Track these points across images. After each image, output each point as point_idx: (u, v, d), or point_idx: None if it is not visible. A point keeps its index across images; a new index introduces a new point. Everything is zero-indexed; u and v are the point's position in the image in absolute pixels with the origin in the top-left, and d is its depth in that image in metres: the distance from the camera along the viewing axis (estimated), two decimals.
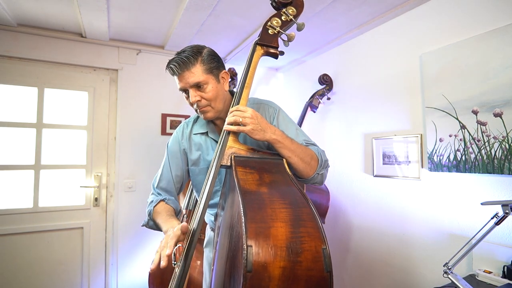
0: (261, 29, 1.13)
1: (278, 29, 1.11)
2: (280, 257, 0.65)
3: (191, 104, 1.18)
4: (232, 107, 1.05)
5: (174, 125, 2.92)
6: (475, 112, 1.66)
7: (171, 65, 1.12)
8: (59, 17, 2.26)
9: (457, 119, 1.75)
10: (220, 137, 1.04)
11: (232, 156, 0.93)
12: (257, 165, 0.90)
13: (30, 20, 2.31)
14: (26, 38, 2.43)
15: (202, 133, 1.29)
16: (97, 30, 2.45)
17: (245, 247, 0.64)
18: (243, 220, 0.68)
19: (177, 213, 1.28)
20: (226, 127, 1.01)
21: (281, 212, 0.72)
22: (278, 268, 0.64)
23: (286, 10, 1.12)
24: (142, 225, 1.31)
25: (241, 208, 0.71)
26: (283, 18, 1.12)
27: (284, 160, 0.95)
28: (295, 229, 0.70)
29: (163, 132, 2.90)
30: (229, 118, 1.01)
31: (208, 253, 1.50)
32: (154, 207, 1.25)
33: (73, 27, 2.44)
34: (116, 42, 2.71)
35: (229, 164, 0.93)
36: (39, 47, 2.47)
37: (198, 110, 1.19)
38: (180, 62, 1.10)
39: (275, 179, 0.86)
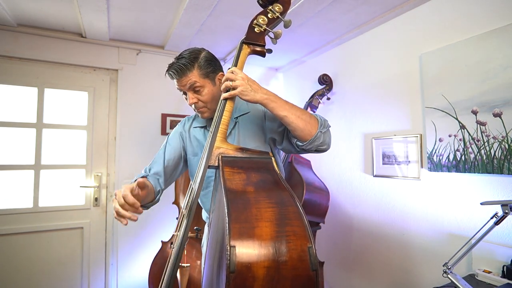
0: (247, 27, 1.13)
1: (264, 27, 1.11)
2: (264, 256, 0.65)
3: (190, 104, 1.25)
4: (220, 105, 1.07)
5: (174, 125, 2.91)
6: (474, 112, 1.65)
7: (170, 72, 1.21)
8: (59, 17, 2.27)
9: (456, 119, 1.73)
10: (209, 134, 1.04)
11: (220, 157, 0.93)
12: (244, 165, 0.90)
13: (30, 20, 2.32)
14: (26, 38, 2.44)
15: (201, 127, 1.36)
16: (97, 30, 2.45)
17: (228, 248, 0.64)
18: (227, 221, 0.68)
19: (156, 194, 1.29)
20: (222, 96, 1.06)
21: (266, 212, 0.72)
22: (262, 268, 0.64)
23: (272, 8, 1.11)
24: None
25: (226, 209, 0.71)
26: (269, 15, 1.11)
27: (273, 159, 0.94)
28: (281, 228, 0.69)
29: (163, 132, 2.90)
30: (221, 86, 1.06)
31: (204, 251, 1.51)
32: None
33: (73, 27, 2.45)
34: (116, 42, 2.72)
35: (216, 164, 0.93)
36: (39, 47, 2.48)
37: (196, 110, 1.27)
38: (178, 69, 1.18)
39: (262, 178, 0.86)
